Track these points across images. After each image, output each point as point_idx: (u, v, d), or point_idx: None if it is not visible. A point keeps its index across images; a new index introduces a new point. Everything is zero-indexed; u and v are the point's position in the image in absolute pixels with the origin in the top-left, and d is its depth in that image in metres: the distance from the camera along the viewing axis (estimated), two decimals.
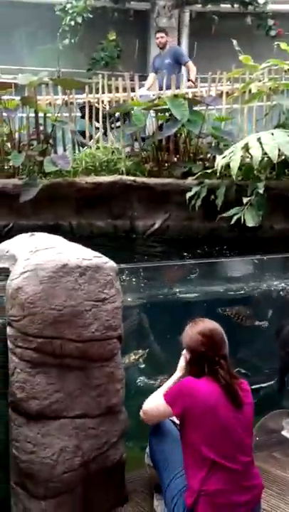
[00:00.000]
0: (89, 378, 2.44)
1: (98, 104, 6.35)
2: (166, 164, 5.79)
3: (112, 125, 6.31)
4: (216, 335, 2.34)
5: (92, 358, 2.42)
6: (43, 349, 2.32)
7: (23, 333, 2.33)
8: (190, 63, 7.58)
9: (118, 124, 6.28)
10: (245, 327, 3.79)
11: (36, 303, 2.30)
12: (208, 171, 5.30)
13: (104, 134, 6.20)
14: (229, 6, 10.27)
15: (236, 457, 2.22)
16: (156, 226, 5.47)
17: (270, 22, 10.18)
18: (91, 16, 9.74)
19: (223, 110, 6.14)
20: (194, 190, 5.14)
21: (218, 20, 10.30)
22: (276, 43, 6.26)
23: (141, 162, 5.74)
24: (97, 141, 6.04)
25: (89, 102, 6.22)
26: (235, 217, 4.88)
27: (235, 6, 10.24)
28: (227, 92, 6.26)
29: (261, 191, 4.87)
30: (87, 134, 6.14)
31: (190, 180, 5.32)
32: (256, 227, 4.90)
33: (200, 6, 10.40)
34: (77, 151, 5.84)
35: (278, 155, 4.71)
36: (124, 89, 6.34)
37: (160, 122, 5.86)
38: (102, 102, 6.37)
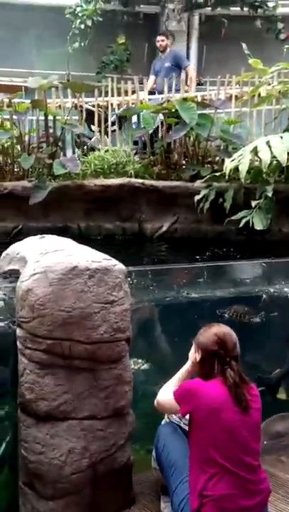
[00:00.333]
0: (97, 380, 2.45)
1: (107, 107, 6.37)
2: (175, 167, 5.80)
3: (108, 129, 6.29)
4: (230, 337, 2.38)
5: (100, 360, 2.44)
6: (52, 350, 2.34)
7: (33, 335, 2.35)
8: (190, 68, 7.62)
9: (114, 127, 6.29)
10: (245, 323, 3.84)
11: (46, 305, 2.31)
12: (217, 174, 5.30)
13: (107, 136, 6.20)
14: (239, 9, 10.28)
15: (242, 460, 2.22)
16: (165, 229, 5.48)
17: (280, 25, 10.18)
18: (101, 19, 9.79)
19: (232, 113, 6.15)
20: (203, 193, 5.15)
21: (228, 23, 10.32)
22: (286, 46, 6.27)
23: (149, 165, 5.76)
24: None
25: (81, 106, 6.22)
26: (243, 221, 4.87)
27: (245, 9, 10.25)
28: (236, 96, 6.26)
29: (270, 194, 4.87)
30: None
31: (198, 183, 5.33)
32: (264, 231, 4.90)
33: (209, 9, 10.42)
34: (77, 152, 5.83)
35: (287, 158, 4.70)
36: (134, 92, 6.36)
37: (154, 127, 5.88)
38: (112, 104, 6.39)
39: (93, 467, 2.45)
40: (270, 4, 10.20)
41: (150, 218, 5.50)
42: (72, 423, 2.41)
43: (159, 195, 5.44)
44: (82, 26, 9.69)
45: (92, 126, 6.30)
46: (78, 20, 9.69)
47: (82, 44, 9.84)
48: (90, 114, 6.20)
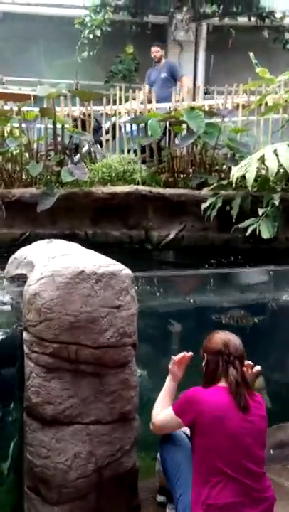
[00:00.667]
0: (103, 384, 2.45)
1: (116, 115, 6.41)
2: (182, 175, 5.82)
3: (101, 138, 6.30)
4: (234, 338, 2.43)
5: (106, 365, 2.44)
6: (58, 354, 2.35)
7: (39, 338, 2.36)
8: (184, 78, 7.71)
9: (108, 136, 6.31)
10: (242, 327, 3.85)
11: (53, 308, 2.33)
12: (224, 182, 5.31)
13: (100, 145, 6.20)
14: (246, 19, 10.36)
15: (246, 468, 2.21)
16: (171, 236, 5.48)
17: (287, 35, 10.25)
18: (109, 29, 9.90)
19: (239, 122, 6.17)
20: (210, 201, 5.15)
21: (235, 33, 10.39)
22: None
23: (157, 173, 5.78)
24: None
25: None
26: (250, 229, 4.87)
27: (252, 19, 10.34)
28: (243, 105, 6.29)
29: (277, 203, 4.86)
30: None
31: (205, 191, 5.34)
32: (271, 239, 4.89)
33: (217, 19, 10.51)
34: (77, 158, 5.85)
35: None
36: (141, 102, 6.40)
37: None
38: (120, 113, 6.43)
39: (98, 472, 2.45)
40: (278, 15, 10.27)
41: (157, 226, 5.51)
42: (77, 427, 2.41)
43: (166, 203, 5.45)
44: (91, 36, 9.80)
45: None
46: (87, 31, 9.81)
47: (91, 54, 9.94)
48: (83, 122, 6.19)
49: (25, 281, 2.49)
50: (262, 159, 4.82)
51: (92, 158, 5.88)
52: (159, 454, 2.67)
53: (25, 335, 2.43)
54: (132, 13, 10.36)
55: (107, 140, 6.28)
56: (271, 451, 3.40)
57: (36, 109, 5.79)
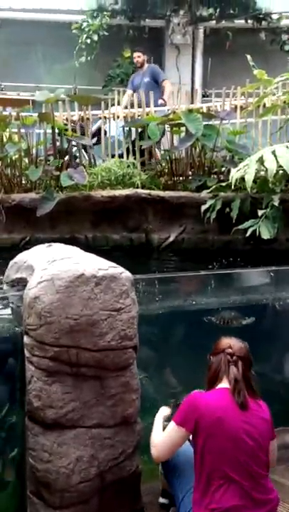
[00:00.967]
0: (104, 388, 2.45)
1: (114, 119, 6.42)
2: (181, 178, 5.83)
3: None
4: (241, 344, 2.44)
5: (107, 368, 2.44)
6: (59, 358, 2.35)
7: (40, 342, 2.36)
8: (166, 82, 7.74)
9: (94, 140, 6.30)
10: (233, 328, 3.85)
11: (53, 312, 2.33)
12: (223, 184, 5.31)
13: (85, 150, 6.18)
14: (243, 22, 10.39)
15: (248, 469, 2.20)
16: (172, 239, 5.49)
17: (284, 37, 10.29)
18: (107, 33, 9.93)
19: (237, 124, 6.18)
20: (209, 203, 5.15)
21: (232, 36, 10.43)
22: None
23: (156, 176, 5.79)
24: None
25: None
26: (250, 230, 4.87)
27: (249, 21, 10.37)
28: (241, 107, 6.30)
29: (276, 204, 4.86)
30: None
31: (205, 193, 5.34)
32: (272, 240, 4.89)
33: (214, 22, 10.55)
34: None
35: None
36: (140, 105, 6.42)
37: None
38: (118, 117, 6.45)
39: (101, 476, 2.44)
40: (274, 16, 10.30)
41: (157, 229, 5.51)
42: (79, 431, 2.41)
43: (165, 206, 5.45)
44: (89, 41, 9.84)
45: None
46: (84, 35, 9.85)
47: (89, 58, 9.98)
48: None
49: (25, 285, 2.50)
50: (261, 160, 4.82)
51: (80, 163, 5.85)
52: None
53: (25, 339, 2.43)
54: (128, 17, 10.40)
55: (95, 144, 6.27)
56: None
57: (35, 115, 5.81)
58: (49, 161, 5.72)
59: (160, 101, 7.24)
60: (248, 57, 6.25)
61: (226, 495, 2.16)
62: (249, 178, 4.73)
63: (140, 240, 5.50)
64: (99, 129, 6.33)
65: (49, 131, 5.75)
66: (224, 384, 2.34)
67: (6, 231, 5.31)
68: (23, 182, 5.61)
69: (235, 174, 4.95)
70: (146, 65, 8.01)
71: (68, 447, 2.39)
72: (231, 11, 10.45)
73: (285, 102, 5.90)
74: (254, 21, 10.31)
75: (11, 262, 2.84)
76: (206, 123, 5.67)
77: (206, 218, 5.18)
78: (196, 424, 2.24)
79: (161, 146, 6.45)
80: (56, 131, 5.65)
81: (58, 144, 5.72)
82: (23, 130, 5.68)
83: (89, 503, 2.44)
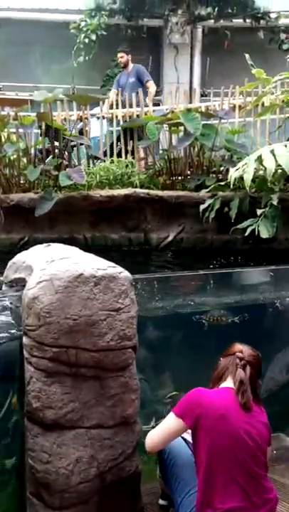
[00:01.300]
0: (104, 388, 2.44)
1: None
2: (180, 177, 5.82)
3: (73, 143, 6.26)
4: (252, 351, 2.42)
5: (107, 368, 2.43)
6: (58, 358, 2.34)
7: (39, 343, 2.34)
8: (150, 82, 7.78)
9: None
10: (223, 326, 3.86)
11: (52, 312, 2.31)
12: (222, 183, 5.32)
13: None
14: (241, 21, 10.40)
15: (248, 470, 2.19)
16: (170, 238, 5.49)
17: (283, 36, 10.30)
18: (105, 33, 9.93)
19: (236, 123, 6.18)
20: (208, 202, 5.16)
21: (231, 35, 10.44)
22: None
23: (154, 175, 5.78)
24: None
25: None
26: (249, 229, 4.87)
27: (248, 20, 10.38)
28: (240, 106, 6.30)
29: (275, 203, 4.86)
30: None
31: (203, 192, 5.34)
32: (271, 239, 4.89)
33: (212, 21, 10.55)
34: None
35: None
36: (138, 105, 6.41)
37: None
38: (116, 117, 6.44)
39: (101, 476, 2.43)
40: (273, 15, 10.31)
41: (156, 228, 5.52)
42: (79, 432, 2.39)
43: (164, 205, 5.45)
44: (87, 41, 9.85)
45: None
46: (83, 35, 9.86)
47: (87, 58, 9.99)
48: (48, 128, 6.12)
49: (24, 286, 2.49)
50: (259, 160, 4.82)
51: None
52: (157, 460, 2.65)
53: (24, 339, 2.42)
54: (127, 16, 10.40)
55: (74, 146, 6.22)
56: (275, 452, 3.38)
57: (33, 114, 5.80)
58: (42, 160, 5.69)
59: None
60: (247, 56, 6.25)
61: (226, 495, 2.16)
62: (248, 178, 4.73)
63: (139, 239, 5.51)
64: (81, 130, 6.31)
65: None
66: (228, 384, 2.33)
67: (5, 231, 5.31)
68: (22, 182, 5.61)
69: (234, 173, 4.95)
70: (131, 65, 8.00)
71: (68, 448, 2.38)
72: (230, 10, 10.46)
73: (283, 101, 5.90)
74: (252, 20, 10.32)
75: (10, 262, 2.83)
76: (205, 122, 5.67)
77: (204, 218, 5.18)
78: (197, 420, 2.23)
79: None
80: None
81: (56, 143, 5.72)
82: (21, 130, 5.68)
83: (89, 503, 2.42)
